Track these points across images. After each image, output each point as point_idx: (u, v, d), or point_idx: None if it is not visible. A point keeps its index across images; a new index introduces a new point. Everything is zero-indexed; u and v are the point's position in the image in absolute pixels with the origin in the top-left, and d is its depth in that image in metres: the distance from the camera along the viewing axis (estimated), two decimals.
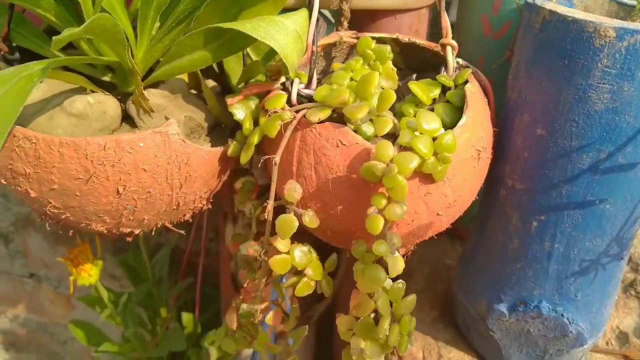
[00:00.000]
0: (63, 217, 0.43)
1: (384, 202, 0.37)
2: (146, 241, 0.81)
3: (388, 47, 0.46)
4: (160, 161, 0.41)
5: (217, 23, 0.42)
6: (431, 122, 0.38)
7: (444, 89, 0.44)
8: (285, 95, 0.42)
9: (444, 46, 0.44)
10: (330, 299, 0.74)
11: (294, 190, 0.40)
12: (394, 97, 0.38)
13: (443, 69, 0.45)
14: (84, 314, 1.11)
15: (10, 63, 0.47)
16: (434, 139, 0.38)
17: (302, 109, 0.41)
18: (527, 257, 0.47)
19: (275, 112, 0.41)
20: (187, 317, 0.78)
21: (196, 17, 0.41)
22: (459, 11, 0.54)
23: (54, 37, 0.32)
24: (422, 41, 0.48)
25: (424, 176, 0.38)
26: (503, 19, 0.49)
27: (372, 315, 0.42)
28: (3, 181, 0.42)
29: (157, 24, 0.44)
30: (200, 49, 0.41)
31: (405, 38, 0.48)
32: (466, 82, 0.43)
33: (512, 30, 0.49)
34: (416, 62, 0.50)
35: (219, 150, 0.44)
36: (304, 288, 0.42)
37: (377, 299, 0.40)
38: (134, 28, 0.45)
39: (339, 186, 0.39)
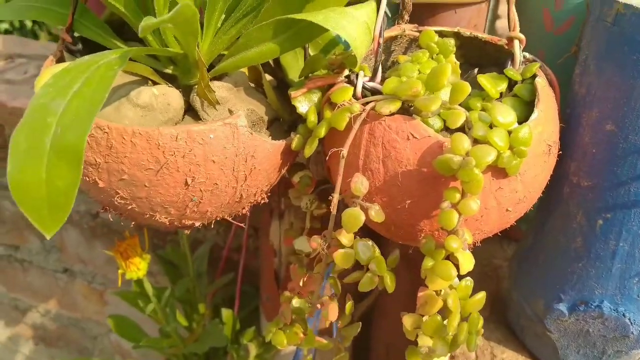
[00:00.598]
0: (129, 207, 0.43)
1: (457, 196, 0.37)
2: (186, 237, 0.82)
3: (452, 41, 0.46)
4: (228, 153, 0.41)
5: (280, 15, 0.42)
6: (507, 115, 0.37)
7: (510, 83, 0.43)
8: (351, 88, 0.42)
9: (511, 39, 0.44)
10: (374, 297, 0.74)
11: (360, 184, 0.40)
12: (468, 89, 0.37)
13: (509, 62, 0.44)
14: (117, 309, 1.12)
15: (73, 53, 0.48)
16: (509, 132, 0.37)
17: (370, 101, 0.41)
18: (590, 256, 0.46)
19: (342, 104, 0.41)
20: (227, 313, 0.78)
21: (264, 9, 0.42)
22: (518, 4, 0.54)
23: (142, 24, 0.32)
24: (484, 35, 0.48)
25: (497, 170, 0.38)
26: (566, 14, 0.49)
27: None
28: None
29: (222, 16, 0.44)
30: (269, 41, 0.41)
31: (466, 32, 0.48)
32: (534, 76, 0.43)
33: (575, 26, 0.49)
34: (475, 56, 0.50)
35: (282, 143, 0.44)
36: (368, 283, 0.42)
37: (446, 296, 0.40)
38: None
39: (409, 180, 0.39)
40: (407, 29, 0.48)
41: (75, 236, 1.03)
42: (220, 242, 0.90)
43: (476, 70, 0.48)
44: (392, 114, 0.39)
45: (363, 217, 0.40)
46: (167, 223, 0.45)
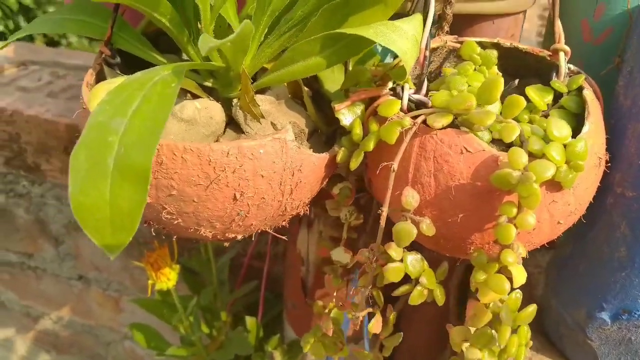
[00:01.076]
0: (175, 222, 0.42)
1: (514, 210, 0.37)
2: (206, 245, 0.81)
3: (494, 52, 0.46)
4: (277, 167, 0.40)
5: (325, 29, 0.42)
6: (562, 129, 0.37)
7: (555, 95, 0.43)
8: (399, 101, 0.41)
9: (556, 51, 0.44)
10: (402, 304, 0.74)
11: (411, 198, 0.39)
12: (523, 103, 0.37)
13: (553, 74, 0.44)
14: (133, 316, 1.11)
15: (111, 67, 0.47)
16: (564, 145, 0.37)
17: (419, 114, 0.40)
18: (633, 265, 0.46)
19: (392, 118, 0.40)
20: (250, 321, 0.78)
21: (310, 23, 0.41)
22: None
23: (206, 44, 0.31)
24: (525, 46, 0.47)
25: (552, 184, 0.38)
26: (605, 25, 0.48)
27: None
28: None
29: (266, 30, 0.44)
30: (316, 55, 0.41)
31: (506, 43, 0.48)
32: (580, 88, 0.43)
33: (613, 36, 0.49)
34: (513, 66, 0.50)
35: (326, 156, 0.44)
36: (418, 296, 0.42)
37: (500, 309, 0.40)
38: None
39: (462, 194, 0.39)
40: (448, 40, 0.48)
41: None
42: (240, 250, 0.90)
43: (517, 81, 0.48)
44: (444, 128, 0.39)
45: (415, 231, 0.39)
46: (210, 237, 0.45)
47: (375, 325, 0.47)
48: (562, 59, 0.43)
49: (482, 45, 0.48)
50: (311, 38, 0.40)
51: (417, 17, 0.41)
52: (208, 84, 0.47)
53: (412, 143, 0.40)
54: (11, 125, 0.91)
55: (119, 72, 0.47)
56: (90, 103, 0.37)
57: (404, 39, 0.39)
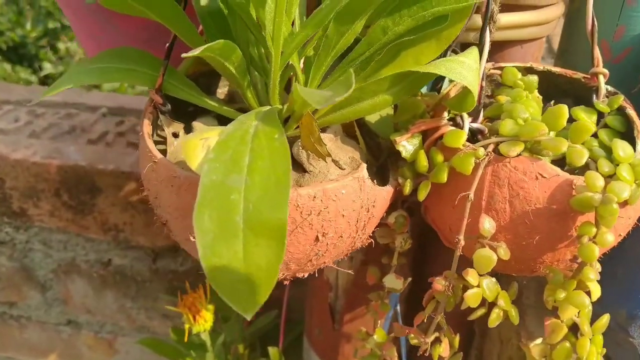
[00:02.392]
0: None
1: (593, 230, 0.39)
2: None
3: (535, 77, 0.48)
4: (355, 206, 0.41)
5: (384, 67, 0.43)
6: (626, 149, 0.40)
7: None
8: (464, 132, 0.43)
9: (595, 74, 0.47)
10: None
11: (488, 225, 0.41)
12: (591, 129, 0.40)
13: (594, 95, 0.47)
14: (127, 356, 1.08)
15: (162, 114, 0.47)
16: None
17: (488, 144, 0.42)
18: None
19: (462, 148, 0.42)
20: (273, 352, 0.77)
21: (374, 62, 0.42)
22: (568, 36, 0.57)
23: (321, 98, 0.32)
24: (557, 68, 0.50)
25: (621, 202, 0.40)
26: (624, 45, 0.52)
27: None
28: (192, 238, 0.41)
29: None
30: (384, 93, 0.42)
31: (539, 67, 0.50)
32: (620, 107, 0.46)
33: (632, 55, 0.52)
34: (544, 88, 0.52)
35: (391, 189, 0.45)
36: (496, 319, 0.43)
37: (580, 322, 0.42)
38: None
39: (538, 217, 0.41)
40: (487, 67, 0.50)
41: (83, 286, 0.98)
42: None
43: (552, 102, 0.50)
44: (518, 156, 0.40)
45: (495, 257, 0.41)
46: (280, 278, 0.45)
47: (445, 350, 0.48)
48: (602, 81, 0.46)
49: (518, 70, 0.50)
50: (381, 77, 0.41)
51: (475, 51, 0.43)
52: None
53: (485, 171, 0.41)
54: None
55: (172, 119, 0.46)
56: (188, 159, 0.36)
57: (470, 72, 0.41)
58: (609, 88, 0.47)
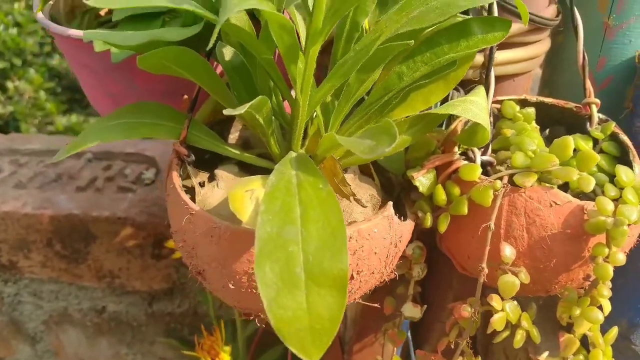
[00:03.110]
0: None
1: (606, 250, 0.42)
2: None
3: (532, 109, 0.52)
4: (386, 242, 0.43)
5: (381, 108, 0.46)
6: (628, 173, 0.44)
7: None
8: (478, 166, 0.46)
9: (588, 104, 0.51)
10: None
11: (509, 252, 0.44)
12: (597, 157, 0.43)
13: (587, 123, 0.51)
14: None
15: (188, 165, 0.48)
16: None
17: (502, 176, 0.45)
18: None
19: (477, 181, 0.45)
20: None
21: (391, 105, 0.45)
22: (551, 68, 0.61)
23: (363, 148, 0.34)
24: (550, 99, 0.54)
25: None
26: (606, 74, 0.56)
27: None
28: (231, 285, 0.42)
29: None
30: (403, 133, 0.45)
31: (532, 98, 0.54)
32: (612, 133, 0.50)
33: (613, 83, 0.57)
34: (538, 118, 0.56)
35: (413, 223, 0.47)
36: (521, 340, 0.46)
37: (592, 335, 0.45)
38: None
39: (554, 242, 0.44)
40: None
41: (76, 336, 0.96)
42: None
43: (547, 130, 0.54)
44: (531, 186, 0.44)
45: (518, 282, 0.44)
46: None
47: None
48: (594, 110, 0.50)
49: (515, 103, 0.54)
50: (401, 120, 0.44)
51: (482, 90, 0.46)
52: None
53: (502, 202, 0.44)
54: None
55: (197, 169, 0.47)
56: (238, 212, 0.37)
57: (482, 110, 0.44)
58: (600, 116, 0.51)
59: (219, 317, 0.85)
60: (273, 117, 0.48)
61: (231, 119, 0.55)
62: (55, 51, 2.09)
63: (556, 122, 0.55)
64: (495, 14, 0.46)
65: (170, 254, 0.84)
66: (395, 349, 0.61)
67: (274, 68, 0.42)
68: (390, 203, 0.44)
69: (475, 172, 0.45)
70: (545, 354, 0.53)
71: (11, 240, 0.85)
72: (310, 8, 0.41)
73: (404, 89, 0.45)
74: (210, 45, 0.33)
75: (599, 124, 0.51)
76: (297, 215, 0.34)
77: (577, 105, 0.53)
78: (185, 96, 0.49)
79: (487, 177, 0.45)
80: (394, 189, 0.53)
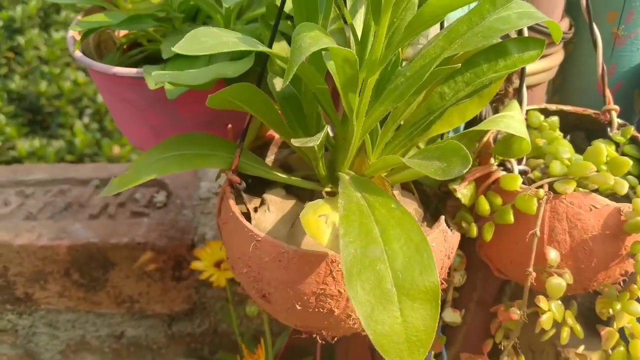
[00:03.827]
0: (354, 326, 0.45)
1: None
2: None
3: (556, 118, 0.55)
4: (442, 255, 0.45)
5: (425, 127, 0.48)
6: None
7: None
8: (519, 176, 0.48)
9: (608, 111, 0.54)
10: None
11: (555, 255, 0.47)
12: (629, 162, 0.46)
13: (608, 128, 0.54)
14: None
15: (238, 191, 0.49)
16: None
17: (542, 184, 0.48)
18: None
19: (519, 190, 0.47)
20: None
21: (434, 125, 0.47)
22: (563, 77, 0.65)
23: (434, 170, 0.36)
24: (569, 107, 0.57)
25: None
26: (616, 80, 0.60)
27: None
28: (298, 306, 0.44)
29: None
30: None
31: (552, 107, 0.58)
32: (632, 137, 0.53)
33: (623, 89, 0.60)
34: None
35: (459, 234, 0.50)
36: (567, 336, 0.49)
37: (632, 327, 0.48)
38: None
39: (594, 243, 0.47)
40: None
41: None
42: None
43: (568, 136, 0.58)
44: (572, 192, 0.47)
45: (564, 284, 0.47)
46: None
47: None
48: (614, 116, 0.54)
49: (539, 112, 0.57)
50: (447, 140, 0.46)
51: (516, 105, 0.49)
52: (328, 189, 0.51)
53: (545, 209, 0.47)
54: None
55: (250, 195, 0.49)
56: (316, 237, 0.39)
57: (521, 124, 0.47)
58: (619, 120, 0.55)
59: (242, 334, 0.86)
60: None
61: (268, 143, 0.57)
62: (13, 72, 2.06)
63: (575, 128, 0.58)
64: (525, 34, 0.49)
65: (190, 275, 0.84)
66: (432, 352, 0.64)
67: (327, 96, 0.44)
68: (443, 217, 0.47)
69: (516, 182, 0.48)
70: (582, 347, 0.56)
71: (27, 273, 0.85)
72: (359, 37, 0.43)
73: (445, 108, 0.47)
74: (286, 81, 0.35)
75: (618, 128, 0.55)
76: (377, 235, 0.36)
77: (596, 112, 0.56)
78: (229, 125, 0.50)
79: (527, 186, 0.48)
80: (430, 201, 0.55)
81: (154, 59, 0.58)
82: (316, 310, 0.44)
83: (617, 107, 0.54)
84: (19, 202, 0.92)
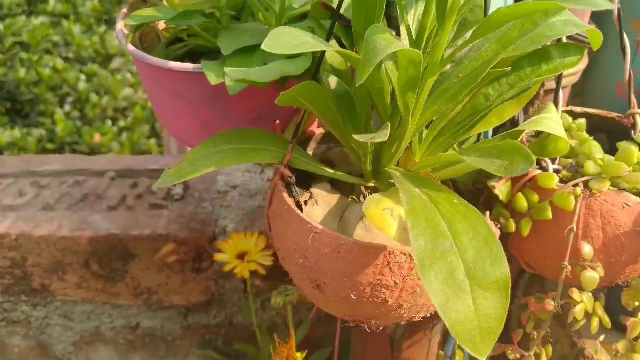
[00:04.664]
0: (403, 315, 0.48)
1: None
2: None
3: (584, 121, 0.58)
4: None
5: (470, 127, 0.51)
6: None
7: None
8: (555, 175, 0.51)
9: (632, 115, 0.57)
10: None
11: (589, 250, 0.50)
12: None
13: (632, 131, 0.58)
14: None
15: (288, 186, 0.51)
16: None
17: (577, 183, 0.51)
18: None
19: (556, 188, 0.50)
20: None
21: (477, 125, 0.50)
22: (584, 82, 0.68)
23: (497, 167, 0.38)
24: (594, 110, 0.61)
25: None
26: (637, 86, 0.64)
27: None
28: (353, 296, 0.46)
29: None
30: None
31: (578, 109, 0.61)
32: None
33: None
34: None
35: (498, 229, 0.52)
36: (596, 326, 0.52)
37: None
38: None
39: (627, 239, 0.50)
40: None
41: (107, 354, 0.96)
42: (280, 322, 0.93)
43: (592, 137, 0.61)
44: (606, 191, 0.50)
45: (598, 277, 0.50)
46: (415, 318, 0.51)
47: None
48: (638, 119, 0.57)
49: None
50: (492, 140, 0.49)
51: (553, 107, 0.52)
52: (371, 184, 0.53)
53: (580, 206, 0.50)
54: (15, 250, 0.84)
55: (300, 189, 0.51)
56: (384, 229, 0.41)
57: (559, 125, 0.49)
58: None
59: (260, 326, 0.88)
60: None
61: (308, 139, 0.59)
62: None
63: (598, 130, 0.62)
64: (565, 40, 0.51)
65: (210, 267, 0.86)
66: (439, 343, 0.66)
67: (382, 95, 0.46)
68: (487, 213, 0.49)
69: (553, 180, 0.51)
70: (602, 336, 0.59)
71: (45, 264, 0.85)
72: (415, 37, 0.45)
73: (490, 109, 0.50)
74: (360, 81, 0.37)
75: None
76: (445, 228, 0.38)
77: (619, 115, 0.59)
78: (278, 121, 0.52)
79: (563, 185, 0.51)
80: (464, 197, 0.58)
81: (196, 54, 0.59)
82: (370, 300, 0.46)
83: None
84: (35, 192, 0.92)
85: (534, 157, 0.38)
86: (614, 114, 0.60)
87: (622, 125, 0.59)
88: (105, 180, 0.95)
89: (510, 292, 0.36)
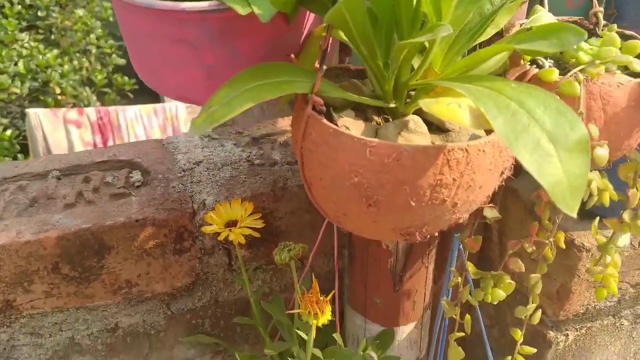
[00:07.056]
0: (455, 217, 0.49)
1: None
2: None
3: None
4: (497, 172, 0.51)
5: (478, 29, 0.54)
6: None
7: None
8: (555, 69, 0.56)
9: (595, 14, 0.63)
10: None
11: (595, 130, 0.55)
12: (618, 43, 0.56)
13: (596, 28, 0.64)
14: None
15: (321, 113, 0.51)
16: None
17: (575, 72, 0.55)
18: None
19: (557, 81, 0.55)
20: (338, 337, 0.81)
21: (486, 29, 0.53)
22: None
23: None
24: (558, 17, 0.66)
25: None
26: None
27: None
28: (413, 202, 0.47)
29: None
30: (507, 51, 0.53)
31: (627, 32, 0.66)
32: (617, 31, 0.63)
33: (587, 2, 0.71)
34: None
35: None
36: (608, 200, 0.57)
37: None
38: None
39: (624, 114, 0.55)
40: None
41: None
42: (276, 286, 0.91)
43: None
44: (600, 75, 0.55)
45: (607, 153, 0.54)
46: (453, 223, 0.53)
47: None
48: (600, 17, 0.63)
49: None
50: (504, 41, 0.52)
51: (540, 7, 0.56)
52: (392, 104, 0.54)
53: (582, 92, 0.55)
54: None
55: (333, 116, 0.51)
56: (456, 120, 0.42)
57: (553, 18, 0.54)
58: (604, 22, 0.65)
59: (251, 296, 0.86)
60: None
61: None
62: None
63: None
64: None
65: (192, 246, 0.82)
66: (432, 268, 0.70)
67: (409, 6, 0.47)
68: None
69: (554, 74, 0.55)
70: (596, 219, 0.65)
71: (7, 277, 0.77)
72: None
73: (494, 13, 0.52)
74: None
75: (603, 27, 0.64)
76: (516, 107, 0.40)
77: (580, 17, 0.65)
78: (292, 55, 0.51)
79: (562, 76, 0.55)
80: None
81: None
82: (429, 202, 0.47)
83: (602, 9, 0.63)
84: (64, 193, 0.82)
85: (584, 33, 0.41)
86: (575, 17, 0.66)
87: (585, 27, 0.65)
88: (51, 181, 0.87)
89: (590, 151, 0.39)
